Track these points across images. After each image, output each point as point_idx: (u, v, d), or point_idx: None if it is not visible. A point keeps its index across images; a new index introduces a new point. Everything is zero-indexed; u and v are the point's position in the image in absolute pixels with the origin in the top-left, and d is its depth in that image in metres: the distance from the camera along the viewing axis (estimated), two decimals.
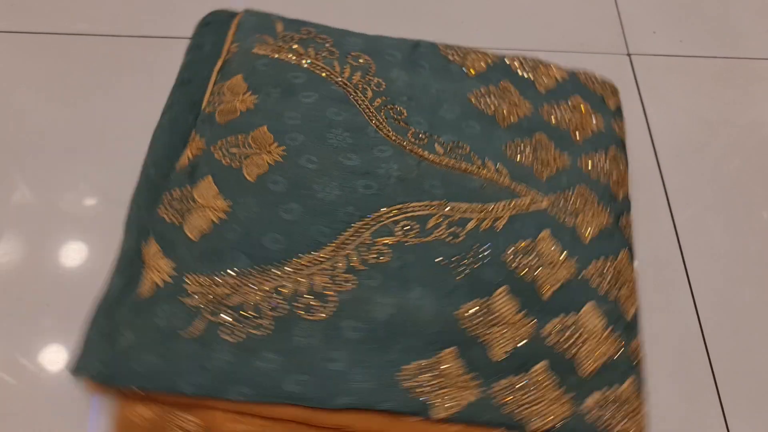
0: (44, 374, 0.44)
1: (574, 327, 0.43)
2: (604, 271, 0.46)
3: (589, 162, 0.51)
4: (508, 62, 0.56)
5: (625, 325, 0.44)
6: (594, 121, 0.54)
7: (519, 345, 0.42)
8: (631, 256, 0.48)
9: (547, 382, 0.41)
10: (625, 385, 0.42)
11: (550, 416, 0.40)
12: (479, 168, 0.49)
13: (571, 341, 0.43)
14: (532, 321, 0.43)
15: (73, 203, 0.51)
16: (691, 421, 0.43)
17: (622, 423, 0.40)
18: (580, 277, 0.45)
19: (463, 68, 0.55)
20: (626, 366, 0.43)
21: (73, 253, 0.48)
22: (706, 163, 0.56)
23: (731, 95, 0.61)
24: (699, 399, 0.44)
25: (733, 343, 0.46)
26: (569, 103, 0.54)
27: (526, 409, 0.40)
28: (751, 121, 0.59)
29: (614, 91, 0.57)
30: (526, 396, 0.41)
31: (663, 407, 0.42)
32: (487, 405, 0.40)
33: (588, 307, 0.44)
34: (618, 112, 0.56)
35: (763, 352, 0.46)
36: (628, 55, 0.63)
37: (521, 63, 0.56)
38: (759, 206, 0.54)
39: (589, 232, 0.47)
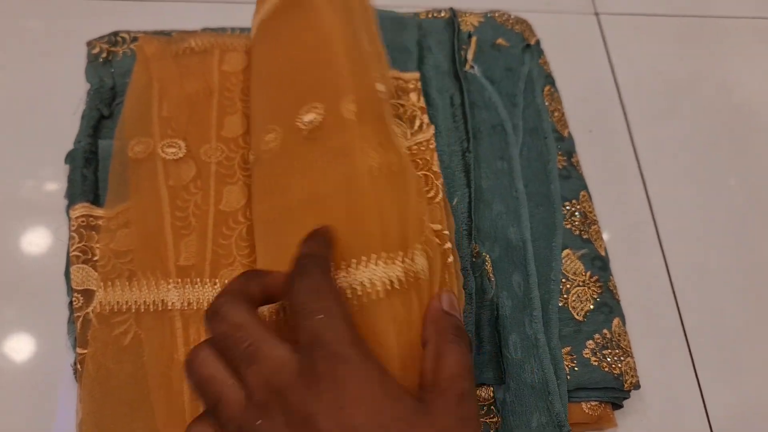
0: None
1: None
2: (574, 212, 0.45)
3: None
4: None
5: (601, 264, 0.44)
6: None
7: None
8: (589, 195, 0.47)
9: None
10: (615, 324, 0.42)
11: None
12: None
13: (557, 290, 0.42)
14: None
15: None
16: (665, 383, 0.44)
17: (621, 364, 0.40)
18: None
19: None
20: (612, 304, 0.43)
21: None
22: (678, 125, 0.56)
23: (702, 55, 0.60)
24: (672, 358, 0.45)
25: (703, 304, 0.47)
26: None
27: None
28: (722, 81, 0.59)
29: (529, 27, 0.55)
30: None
31: (639, 372, 0.42)
32: None
33: (567, 251, 0.44)
34: (538, 48, 0.54)
35: (733, 311, 0.47)
36: (596, 14, 0.60)
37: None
38: (731, 167, 0.54)
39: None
